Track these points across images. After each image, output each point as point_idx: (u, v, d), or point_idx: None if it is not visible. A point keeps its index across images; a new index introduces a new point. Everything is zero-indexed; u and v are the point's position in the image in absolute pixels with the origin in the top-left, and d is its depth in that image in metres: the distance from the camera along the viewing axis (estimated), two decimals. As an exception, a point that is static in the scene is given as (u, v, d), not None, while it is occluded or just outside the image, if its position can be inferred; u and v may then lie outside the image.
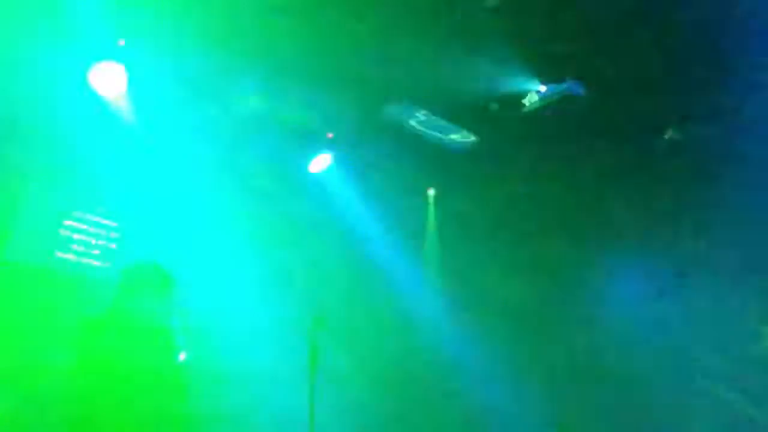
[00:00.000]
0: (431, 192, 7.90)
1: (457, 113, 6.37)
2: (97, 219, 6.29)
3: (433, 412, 7.42)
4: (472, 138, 6.62)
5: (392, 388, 7.67)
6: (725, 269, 6.43)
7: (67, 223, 6.12)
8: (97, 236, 6.28)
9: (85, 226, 6.21)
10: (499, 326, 7.27)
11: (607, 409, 6.60)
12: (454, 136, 6.56)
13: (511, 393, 7.00)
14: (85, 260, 6.20)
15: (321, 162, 6.74)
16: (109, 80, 5.31)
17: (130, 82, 5.46)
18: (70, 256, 6.11)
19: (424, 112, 6.27)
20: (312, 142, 6.70)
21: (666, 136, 6.41)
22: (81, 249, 6.17)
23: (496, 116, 6.25)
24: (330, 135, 6.66)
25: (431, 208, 7.99)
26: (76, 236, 6.15)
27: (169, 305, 3.98)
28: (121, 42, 5.28)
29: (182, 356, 4.00)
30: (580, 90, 5.71)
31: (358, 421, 6.75)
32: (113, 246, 6.36)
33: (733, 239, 6.36)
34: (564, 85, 5.72)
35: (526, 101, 5.86)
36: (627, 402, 6.63)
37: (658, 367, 6.66)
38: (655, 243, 6.87)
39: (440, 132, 6.48)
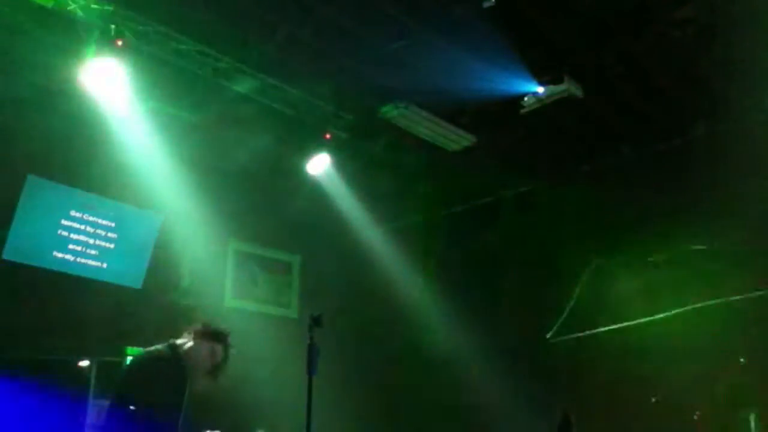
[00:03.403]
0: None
1: (457, 113, 6.35)
2: (95, 219, 6.26)
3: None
4: (472, 138, 6.60)
5: (390, 387, 7.66)
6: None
7: (65, 223, 6.09)
8: (94, 236, 6.25)
9: (82, 227, 6.18)
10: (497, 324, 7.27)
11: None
12: (453, 136, 6.54)
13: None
14: (82, 260, 6.18)
15: (320, 162, 6.71)
16: (106, 79, 5.28)
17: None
18: (67, 257, 6.09)
19: (423, 112, 6.25)
20: (311, 142, 6.68)
21: None
22: (78, 249, 6.14)
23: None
24: (329, 135, 6.64)
25: (429, 208, 7.96)
26: (73, 236, 6.13)
27: None
28: (120, 42, 5.25)
29: None
30: (580, 90, 5.69)
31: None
32: (111, 246, 6.34)
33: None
34: (564, 85, 5.69)
35: (525, 101, 5.84)
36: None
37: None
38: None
39: (439, 132, 6.45)
